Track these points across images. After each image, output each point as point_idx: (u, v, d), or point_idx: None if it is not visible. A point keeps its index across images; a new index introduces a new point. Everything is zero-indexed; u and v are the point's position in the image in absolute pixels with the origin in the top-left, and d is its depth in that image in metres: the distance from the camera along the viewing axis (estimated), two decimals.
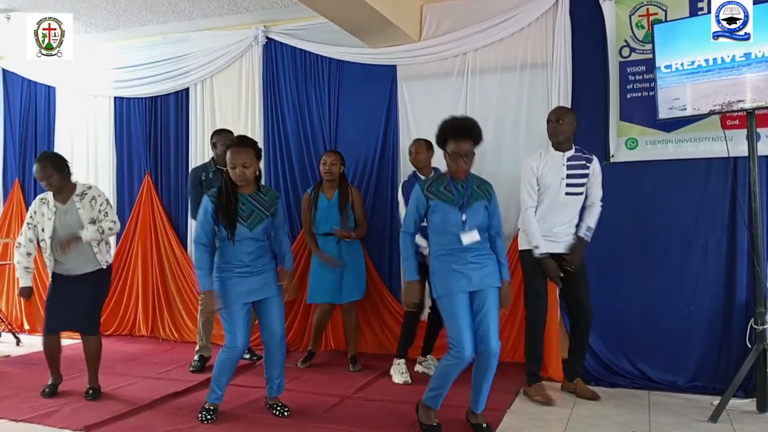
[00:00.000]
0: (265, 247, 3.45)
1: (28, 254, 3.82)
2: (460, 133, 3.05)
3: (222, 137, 4.41)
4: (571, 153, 3.70)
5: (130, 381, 4.19)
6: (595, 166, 3.73)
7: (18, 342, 5.42)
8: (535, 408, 3.59)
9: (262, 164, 5.09)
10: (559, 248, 3.68)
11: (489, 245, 3.15)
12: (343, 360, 4.55)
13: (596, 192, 3.73)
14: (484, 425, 3.17)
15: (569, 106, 4.14)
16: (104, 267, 3.86)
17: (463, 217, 3.04)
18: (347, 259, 4.44)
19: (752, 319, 3.54)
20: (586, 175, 3.68)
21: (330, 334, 4.98)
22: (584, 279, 3.72)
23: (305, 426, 3.31)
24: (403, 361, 4.17)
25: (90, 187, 3.90)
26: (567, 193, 3.66)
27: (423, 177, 4.03)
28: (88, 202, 3.81)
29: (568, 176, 3.65)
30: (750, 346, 3.54)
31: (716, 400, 3.42)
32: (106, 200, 3.89)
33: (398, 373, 4.12)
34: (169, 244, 5.47)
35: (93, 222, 3.78)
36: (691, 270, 3.95)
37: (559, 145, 3.70)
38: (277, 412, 3.50)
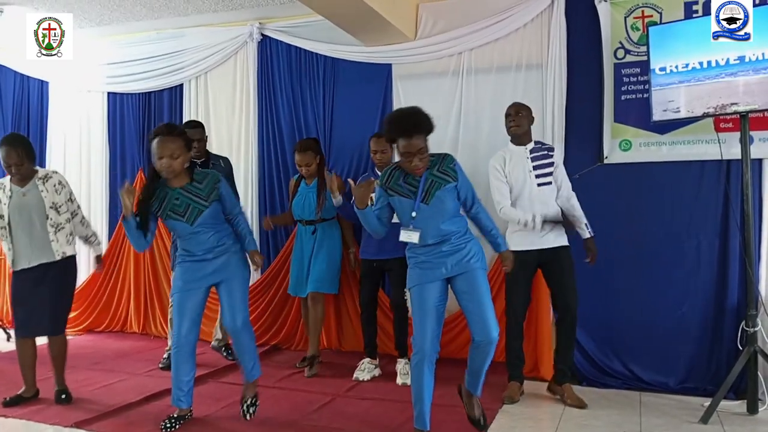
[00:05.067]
0: (224, 232, 3.24)
1: None
2: (408, 131, 2.77)
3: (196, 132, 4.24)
4: (531, 146, 3.73)
5: (121, 378, 4.18)
6: (557, 154, 3.77)
7: (8, 338, 5.39)
8: (526, 408, 3.59)
9: (256, 163, 5.17)
10: (541, 244, 3.64)
11: (465, 231, 2.95)
12: (337, 358, 4.53)
13: (566, 184, 3.75)
14: (482, 422, 3.14)
15: (563, 107, 4.19)
16: (58, 258, 3.59)
17: (413, 213, 2.85)
18: (320, 249, 4.40)
19: (743, 322, 3.55)
20: (551, 164, 3.71)
21: (322, 332, 4.94)
22: (571, 277, 3.69)
23: (296, 425, 3.30)
24: (367, 360, 4.22)
25: (55, 172, 3.76)
26: (539, 185, 3.66)
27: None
28: (52, 186, 3.63)
29: (535, 167, 3.67)
30: (741, 348, 3.56)
31: (707, 402, 3.44)
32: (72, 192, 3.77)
33: (366, 371, 4.16)
34: (162, 241, 5.43)
35: (54, 207, 3.60)
36: (683, 272, 3.96)
37: (519, 139, 3.72)
38: (243, 410, 3.34)
